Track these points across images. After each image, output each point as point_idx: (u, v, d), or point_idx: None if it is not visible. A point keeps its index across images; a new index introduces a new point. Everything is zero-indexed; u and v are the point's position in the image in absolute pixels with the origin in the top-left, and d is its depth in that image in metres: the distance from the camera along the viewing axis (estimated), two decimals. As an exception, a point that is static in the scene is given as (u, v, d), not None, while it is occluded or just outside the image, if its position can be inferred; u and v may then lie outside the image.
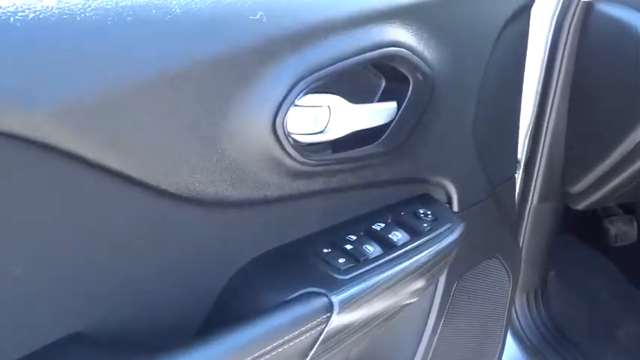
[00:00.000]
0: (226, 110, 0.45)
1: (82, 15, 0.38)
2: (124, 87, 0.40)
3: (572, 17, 0.90)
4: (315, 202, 0.56)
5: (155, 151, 0.42)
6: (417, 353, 0.75)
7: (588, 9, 0.90)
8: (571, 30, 0.90)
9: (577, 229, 1.25)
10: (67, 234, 0.41)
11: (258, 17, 0.44)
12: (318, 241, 0.56)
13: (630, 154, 0.91)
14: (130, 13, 0.39)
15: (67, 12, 0.38)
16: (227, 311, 0.50)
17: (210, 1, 0.43)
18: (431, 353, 0.76)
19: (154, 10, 0.40)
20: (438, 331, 0.76)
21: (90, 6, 0.38)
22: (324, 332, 0.49)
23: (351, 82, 0.54)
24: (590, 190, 1.01)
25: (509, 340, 1.07)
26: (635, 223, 1.40)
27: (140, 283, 0.46)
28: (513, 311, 1.13)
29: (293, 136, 0.49)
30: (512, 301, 0.91)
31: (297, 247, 0.55)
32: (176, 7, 0.41)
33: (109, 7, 0.39)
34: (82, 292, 0.43)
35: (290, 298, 0.48)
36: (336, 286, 0.50)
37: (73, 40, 0.38)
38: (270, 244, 0.54)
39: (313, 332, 0.48)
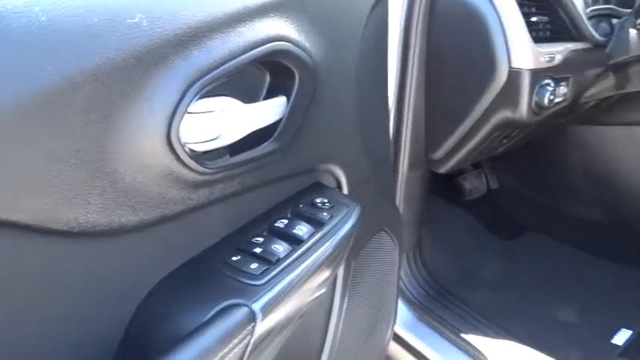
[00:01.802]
0: (113, 128, 0.40)
1: None
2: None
3: (421, 0, 0.97)
4: (216, 209, 0.53)
5: (33, 187, 0.36)
6: (327, 338, 0.77)
7: (434, -9, 0.97)
8: (421, 12, 0.97)
9: (438, 188, 1.38)
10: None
11: (137, 20, 0.40)
12: (224, 250, 0.53)
13: (479, 121, 1.03)
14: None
15: None
16: (141, 342, 0.46)
17: (81, 6, 0.37)
18: (339, 334, 0.79)
19: (12, 20, 0.34)
20: (343, 312, 0.78)
21: None
22: (251, 343, 0.47)
23: (239, 81, 0.52)
24: (450, 155, 1.12)
25: (398, 302, 1.15)
26: (484, 177, 1.59)
27: (35, 339, 0.40)
28: (397, 274, 1.22)
29: (189, 145, 0.46)
30: (400, 266, 0.98)
31: (204, 260, 0.52)
32: (40, 14, 0.35)
33: None
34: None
35: (211, 315, 0.46)
36: (254, 293, 0.49)
37: None
38: (175, 262, 0.50)
39: (241, 346, 0.46)
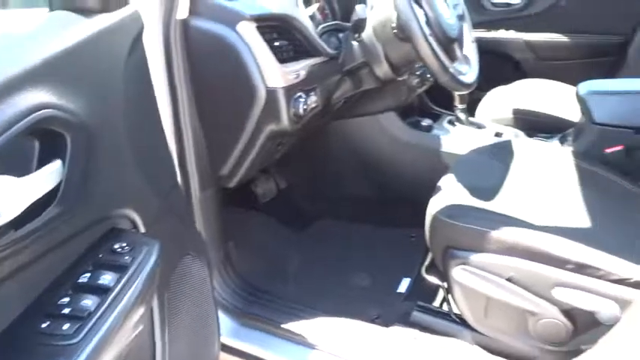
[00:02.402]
0: None
1: None
2: None
3: (176, 34, 1.04)
4: (11, 285, 0.53)
5: None
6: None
7: (186, 25, 1.06)
8: (178, 46, 1.05)
9: (234, 200, 1.48)
10: None
11: None
12: (32, 320, 0.54)
13: (253, 136, 1.16)
14: None
15: None
16: None
17: None
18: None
19: None
20: (167, 342, 0.82)
21: None
22: (79, 399, 0.50)
23: (10, 155, 0.52)
24: (235, 169, 1.23)
25: (220, 315, 1.22)
26: (273, 180, 1.75)
27: None
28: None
29: (-33, 232, 0.46)
30: (212, 282, 1.05)
31: (13, 336, 0.52)
32: None
33: None
34: None
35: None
36: (72, 352, 0.51)
37: None
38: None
39: (70, 404, 0.48)
